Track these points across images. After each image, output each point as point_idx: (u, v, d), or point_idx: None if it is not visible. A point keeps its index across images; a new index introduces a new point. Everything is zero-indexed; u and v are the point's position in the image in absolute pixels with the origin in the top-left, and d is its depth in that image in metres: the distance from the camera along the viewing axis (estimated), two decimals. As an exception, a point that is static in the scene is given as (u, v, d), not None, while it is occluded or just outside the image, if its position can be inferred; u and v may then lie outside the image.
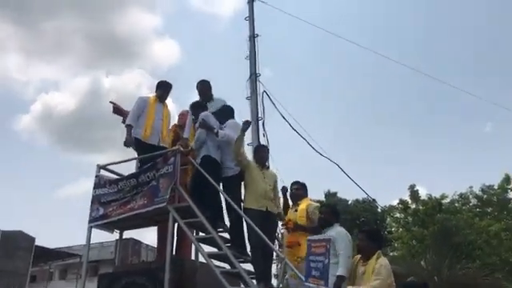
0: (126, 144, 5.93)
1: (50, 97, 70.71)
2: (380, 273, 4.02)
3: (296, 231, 5.12)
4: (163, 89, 6.42)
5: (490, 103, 40.25)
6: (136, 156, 6.12)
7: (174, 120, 6.59)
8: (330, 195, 33.08)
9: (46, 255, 24.52)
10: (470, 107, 54.14)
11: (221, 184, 5.55)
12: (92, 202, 5.87)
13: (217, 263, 5.26)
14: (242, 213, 5.03)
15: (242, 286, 4.91)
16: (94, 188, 5.96)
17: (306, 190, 5.48)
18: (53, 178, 67.71)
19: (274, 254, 5.24)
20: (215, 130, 5.52)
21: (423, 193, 24.61)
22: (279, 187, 5.75)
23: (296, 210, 5.22)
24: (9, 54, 69.92)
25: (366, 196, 22.69)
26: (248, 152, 5.88)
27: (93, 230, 5.89)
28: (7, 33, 67.77)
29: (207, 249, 5.39)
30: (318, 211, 4.82)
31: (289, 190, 5.65)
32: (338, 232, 4.54)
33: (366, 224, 31.24)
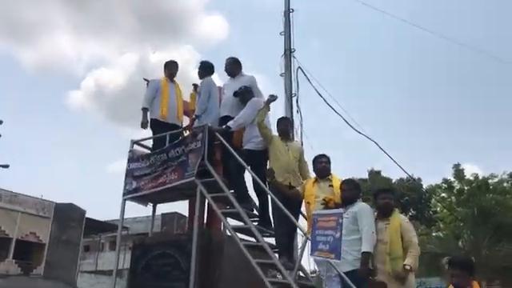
0: (142, 126, 6.27)
1: (100, 73, 73.34)
2: (412, 229, 4.52)
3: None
4: (170, 68, 6.67)
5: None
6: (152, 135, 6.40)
7: (185, 96, 6.81)
8: (374, 174, 32.58)
9: (97, 227, 25.92)
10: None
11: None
12: (126, 176, 6.14)
13: (246, 237, 5.40)
14: (265, 188, 5.08)
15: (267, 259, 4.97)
16: (128, 162, 6.22)
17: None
18: (103, 152, 70.71)
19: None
20: (228, 126, 5.61)
21: (474, 172, 23.73)
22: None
23: (331, 186, 4.97)
24: (60, 33, 72.89)
25: (410, 175, 22.12)
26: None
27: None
28: (58, 12, 70.46)
29: (235, 222, 5.55)
30: (341, 187, 4.76)
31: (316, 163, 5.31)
32: (361, 208, 4.54)
33: (410, 203, 30.65)
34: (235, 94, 5.89)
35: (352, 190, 4.71)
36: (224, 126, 5.67)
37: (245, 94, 5.82)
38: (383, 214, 4.58)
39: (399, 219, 4.51)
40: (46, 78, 72.85)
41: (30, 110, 66.03)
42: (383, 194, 4.72)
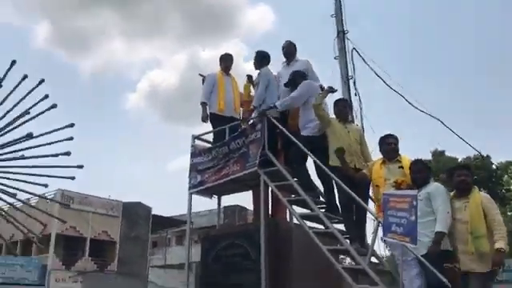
0: (203, 120, 6.35)
1: (154, 75, 75.70)
2: (495, 206, 4.27)
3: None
4: (226, 61, 6.68)
5: None
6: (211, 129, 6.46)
7: (241, 88, 6.77)
8: (438, 154, 31.22)
9: (163, 223, 26.88)
10: None
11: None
12: (190, 170, 6.26)
13: (313, 225, 5.32)
14: (330, 172, 4.94)
15: (338, 245, 4.87)
16: (191, 157, 6.34)
17: None
18: (162, 151, 72.99)
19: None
20: (275, 106, 5.58)
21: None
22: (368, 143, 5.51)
23: (401, 167, 4.70)
24: (113, 39, 75.90)
25: (477, 153, 21.02)
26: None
27: (201, 198, 6.43)
28: (110, 20, 73.38)
29: (301, 210, 5.47)
30: (410, 169, 4.53)
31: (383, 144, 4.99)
32: (435, 188, 4.32)
33: (480, 182, 29.13)
34: (285, 84, 5.83)
35: (422, 171, 4.47)
36: (271, 105, 5.61)
37: (296, 78, 5.70)
38: (461, 192, 4.31)
39: (480, 196, 4.24)
40: (103, 83, 76.22)
41: (91, 114, 69.31)
42: (460, 171, 4.42)
